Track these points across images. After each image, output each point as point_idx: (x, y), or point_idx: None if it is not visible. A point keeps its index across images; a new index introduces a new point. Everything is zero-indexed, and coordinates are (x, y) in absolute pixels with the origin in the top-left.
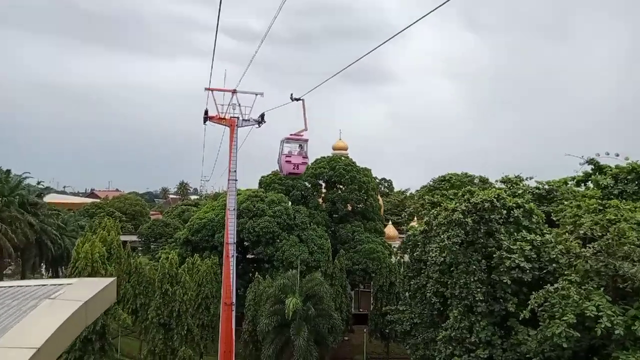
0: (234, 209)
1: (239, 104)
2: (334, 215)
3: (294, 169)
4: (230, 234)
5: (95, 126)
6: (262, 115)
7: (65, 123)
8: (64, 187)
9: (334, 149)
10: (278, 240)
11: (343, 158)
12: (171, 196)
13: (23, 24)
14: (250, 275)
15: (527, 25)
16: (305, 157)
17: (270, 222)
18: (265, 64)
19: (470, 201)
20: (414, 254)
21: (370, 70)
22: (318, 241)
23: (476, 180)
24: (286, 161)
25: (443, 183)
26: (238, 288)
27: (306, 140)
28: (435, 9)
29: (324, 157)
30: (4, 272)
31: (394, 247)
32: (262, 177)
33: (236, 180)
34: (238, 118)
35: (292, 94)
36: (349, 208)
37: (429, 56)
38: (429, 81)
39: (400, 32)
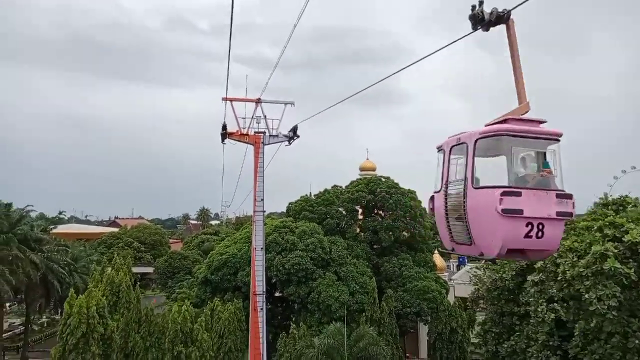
0: (262, 248)
1: (265, 116)
2: (375, 246)
3: (536, 235)
4: (258, 281)
5: (119, 155)
6: (295, 130)
7: (89, 154)
8: (86, 216)
9: (362, 169)
10: (312, 279)
11: (383, 179)
12: (192, 222)
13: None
14: (279, 318)
15: (536, 41)
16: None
17: (303, 258)
18: (279, 89)
19: (625, 240)
20: (500, 304)
21: (383, 92)
22: (360, 279)
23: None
24: (504, 213)
25: None
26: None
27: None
28: (458, 39)
29: (360, 179)
30: (6, 315)
31: (450, 282)
32: (289, 204)
33: (264, 211)
34: (264, 134)
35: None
36: (392, 237)
37: (440, 75)
38: (442, 100)
39: (419, 61)
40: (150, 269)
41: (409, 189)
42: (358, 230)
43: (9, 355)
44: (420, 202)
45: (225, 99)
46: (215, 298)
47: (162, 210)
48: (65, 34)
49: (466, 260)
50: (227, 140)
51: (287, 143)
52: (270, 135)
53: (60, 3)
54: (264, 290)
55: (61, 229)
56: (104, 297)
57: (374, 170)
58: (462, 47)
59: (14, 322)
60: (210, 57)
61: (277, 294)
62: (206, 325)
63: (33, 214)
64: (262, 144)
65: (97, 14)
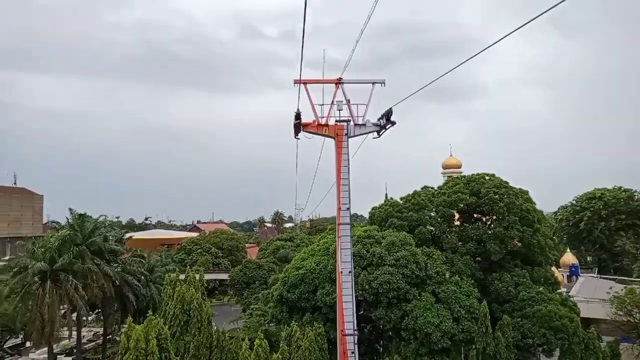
0: (351, 272)
1: (348, 100)
2: (479, 260)
3: None
4: (348, 318)
5: (200, 162)
6: (388, 115)
7: (170, 160)
8: (170, 221)
9: (445, 167)
10: (405, 301)
11: (487, 177)
12: (267, 225)
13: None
14: (366, 344)
15: (623, 22)
16: None
17: (393, 275)
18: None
19: None
20: None
21: (453, 88)
22: (465, 301)
23: None
24: None
25: None
26: None
27: None
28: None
29: (458, 178)
30: (89, 325)
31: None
32: (373, 209)
33: (351, 224)
34: (348, 122)
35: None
36: (502, 249)
37: (517, 66)
38: (519, 92)
39: (491, 46)
40: (227, 276)
41: (520, 189)
42: (457, 240)
43: None
44: (534, 203)
45: (298, 82)
46: (293, 321)
47: (240, 213)
48: (146, 48)
49: (579, 271)
50: (301, 134)
51: (375, 134)
52: (355, 125)
53: (141, 19)
54: (355, 328)
55: (146, 234)
56: (172, 320)
57: (459, 167)
58: (537, 35)
59: (99, 332)
60: (279, 62)
61: (360, 312)
62: (284, 352)
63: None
64: (345, 136)
65: (173, 30)
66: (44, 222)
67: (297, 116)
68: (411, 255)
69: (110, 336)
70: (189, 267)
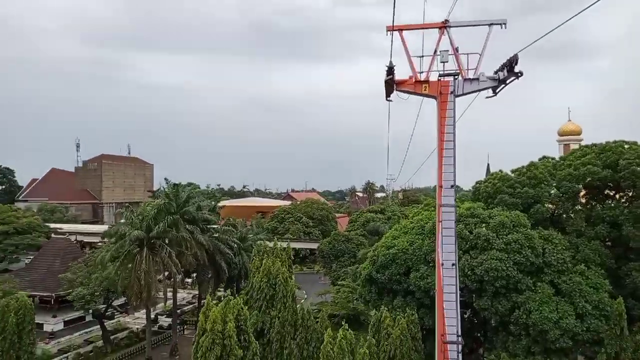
0: (454, 265)
1: (456, 49)
2: (612, 247)
3: None
4: (451, 322)
5: (296, 132)
6: (512, 63)
7: (271, 131)
8: (265, 188)
9: (561, 134)
10: (517, 291)
11: (627, 147)
12: (359, 194)
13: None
14: (466, 335)
15: None
16: None
17: (503, 261)
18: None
19: None
20: None
21: (568, 46)
22: (592, 295)
23: None
24: None
25: None
26: None
27: None
28: None
29: (589, 147)
30: (184, 291)
31: None
32: (477, 183)
33: (455, 206)
34: (455, 77)
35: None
36: None
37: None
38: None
39: None
40: (317, 245)
41: None
42: (583, 222)
43: (189, 330)
44: None
45: (391, 29)
46: (382, 304)
47: (332, 182)
48: (248, 20)
49: None
50: (395, 95)
51: (490, 92)
52: (465, 80)
53: None
54: (460, 334)
55: (243, 202)
56: (258, 293)
57: (579, 134)
58: None
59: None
60: (376, 28)
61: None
62: (371, 348)
63: (211, 189)
64: (451, 94)
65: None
66: (155, 189)
67: (390, 71)
68: (526, 238)
69: (206, 301)
70: (275, 238)
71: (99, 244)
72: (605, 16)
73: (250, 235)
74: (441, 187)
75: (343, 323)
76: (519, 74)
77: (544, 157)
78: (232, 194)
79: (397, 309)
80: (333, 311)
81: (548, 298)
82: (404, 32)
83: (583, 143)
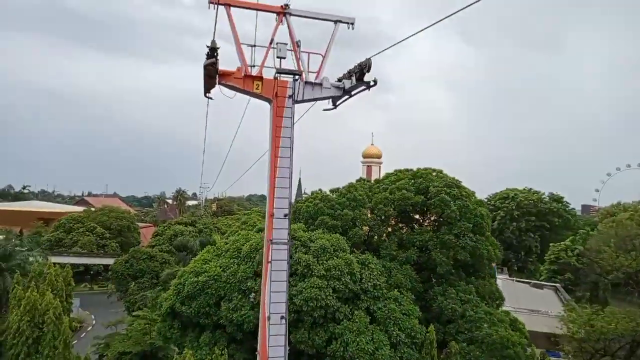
0: (283, 319)
1: (297, 44)
2: (418, 270)
3: None
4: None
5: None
6: (362, 70)
7: (62, 126)
8: (54, 191)
9: (365, 156)
10: (334, 321)
11: (435, 174)
12: (168, 201)
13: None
14: None
15: (519, 38)
16: None
17: (322, 289)
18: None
19: None
20: None
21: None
22: (405, 322)
23: None
24: None
25: None
26: None
27: None
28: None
29: (402, 171)
30: None
31: None
32: (297, 201)
33: (289, 242)
34: (295, 78)
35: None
36: (450, 260)
37: (425, 65)
38: (427, 90)
39: (400, 42)
40: (113, 261)
41: (471, 190)
42: (396, 246)
43: None
44: (486, 207)
45: (215, 1)
46: (187, 340)
47: (138, 187)
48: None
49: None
50: (216, 91)
51: (330, 104)
52: (307, 83)
53: None
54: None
55: (21, 206)
56: (15, 337)
57: (379, 157)
58: (445, 40)
59: None
60: (192, 33)
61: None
62: None
63: None
64: (289, 98)
65: None
66: None
67: (212, 53)
68: (345, 264)
69: None
70: (50, 264)
71: None
72: (395, 60)
73: (24, 250)
74: (272, 216)
75: None
76: (371, 84)
77: (360, 179)
78: (7, 195)
79: (204, 347)
80: (125, 348)
81: (365, 327)
82: (232, 9)
83: (383, 166)
